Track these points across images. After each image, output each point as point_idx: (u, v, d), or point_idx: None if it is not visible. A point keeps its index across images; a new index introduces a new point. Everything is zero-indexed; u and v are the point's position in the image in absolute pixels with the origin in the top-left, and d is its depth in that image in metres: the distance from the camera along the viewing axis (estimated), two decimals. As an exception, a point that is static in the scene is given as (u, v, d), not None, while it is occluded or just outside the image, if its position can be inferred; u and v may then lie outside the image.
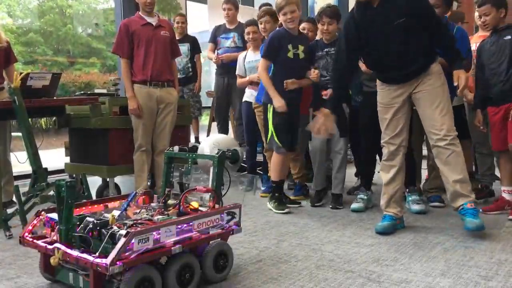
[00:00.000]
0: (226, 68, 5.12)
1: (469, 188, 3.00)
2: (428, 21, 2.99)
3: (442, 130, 2.97)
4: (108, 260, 1.89)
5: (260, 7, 5.11)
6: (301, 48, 3.66)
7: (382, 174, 3.22)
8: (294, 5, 3.53)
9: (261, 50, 3.90)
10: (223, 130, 5.39)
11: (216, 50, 5.36)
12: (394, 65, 3.06)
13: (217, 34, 5.44)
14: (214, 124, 5.63)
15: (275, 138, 3.62)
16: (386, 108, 3.17)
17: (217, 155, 2.41)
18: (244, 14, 5.85)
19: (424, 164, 4.15)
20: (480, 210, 3.40)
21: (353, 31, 3.05)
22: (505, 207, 3.53)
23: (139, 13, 4.05)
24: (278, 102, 3.50)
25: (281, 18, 3.62)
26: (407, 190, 3.81)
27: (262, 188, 4.38)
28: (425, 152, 4.05)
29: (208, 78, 7.07)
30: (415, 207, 3.64)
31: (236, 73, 4.58)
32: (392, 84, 3.13)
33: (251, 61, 4.38)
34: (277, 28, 3.81)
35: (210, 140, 2.64)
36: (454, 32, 3.67)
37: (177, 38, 4.61)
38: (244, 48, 4.90)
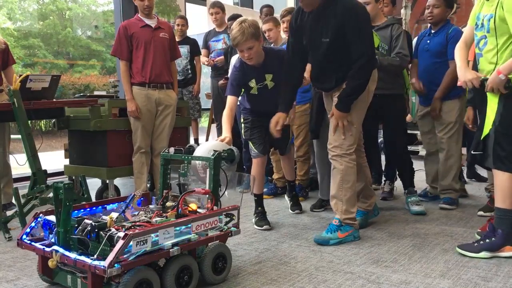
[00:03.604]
0: (219, 70, 5.16)
1: (339, 207, 2.99)
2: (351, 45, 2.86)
3: (331, 144, 3.01)
4: (106, 263, 1.89)
5: (260, 9, 5.13)
6: (269, 77, 3.25)
7: None
8: (251, 41, 3.06)
9: None
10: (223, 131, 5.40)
11: (209, 55, 5.49)
12: (315, 75, 3.17)
13: (208, 39, 5.56)
14: (214, 126, 5.64)
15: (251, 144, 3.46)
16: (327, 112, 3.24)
17: (212, 157, 2.40)
18: (247, 17, 5.85)
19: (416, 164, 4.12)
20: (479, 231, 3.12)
21: (293, 32, 3.08)
22: None
23: (138, 15, 4.06)
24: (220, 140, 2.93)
25: (239, 53, 3.23)
26: (406, 191, 3.82)
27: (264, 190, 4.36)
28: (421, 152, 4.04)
29: (207, 80, 7.08)
30: (415, 208, 3.64)
31: (229, 75, 4.51)
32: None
33: None
34: (237, 62, 3.35)
35: (204, 148, 2.61)
36: (449, 32, 3.67)
37: (177, 40, 4.62)
38: None
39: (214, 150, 2.44)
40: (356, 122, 2.97)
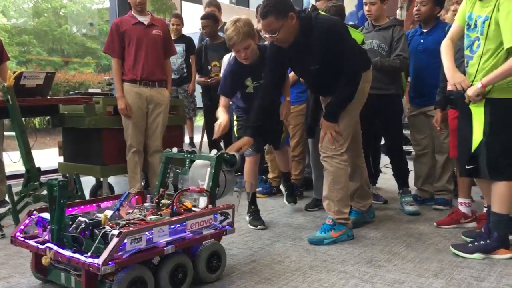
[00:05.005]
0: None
1: (331, 207, 3.00)
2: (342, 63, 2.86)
3: (322, 146, 3.00)
4: (100, 260, 1.88)
5: (257, 8, 5.13)
6: None
7: None
8: (247, 41, 3.06)
9: None
10: None
11: None
12: (309, 87, 3.38)
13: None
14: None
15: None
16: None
17: (215, 155, 2.40)
18: (240, 15, 5.86)
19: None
20: (435, 224, 3.29)
21: (272, 62, 3.04)
22: (460, 221, 3.25)
23: (132, 12, 4.02)
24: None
25: (235, 54, 3.21)
26: (400, 191, 3.82)
27: (259, 189, 4.36)
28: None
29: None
30: (409, 208, 3.65)
31: (221, 74, 4.49)
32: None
33: None
34: (232, 61, 3.35)
35: (202, 162, 2.59)
36: (446, 29, 3.55)
37: (172, 38, 4.59)
38: None
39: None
40: (345, 131, 2.97)
